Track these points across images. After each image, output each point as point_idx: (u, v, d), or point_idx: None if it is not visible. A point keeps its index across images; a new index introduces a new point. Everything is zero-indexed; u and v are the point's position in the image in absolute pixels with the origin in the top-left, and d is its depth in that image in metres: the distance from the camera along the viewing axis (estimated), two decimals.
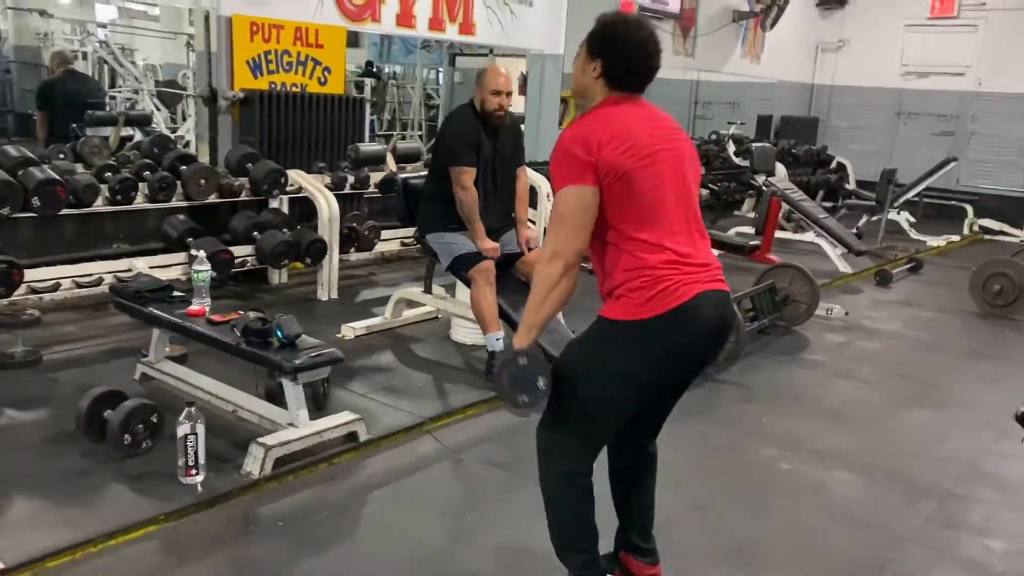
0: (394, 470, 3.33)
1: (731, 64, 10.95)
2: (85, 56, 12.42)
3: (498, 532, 2.92)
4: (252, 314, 3.29)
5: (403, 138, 11.12)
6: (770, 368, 4.93)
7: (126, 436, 3.11)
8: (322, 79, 6.08)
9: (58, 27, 12.73)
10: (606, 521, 2.45)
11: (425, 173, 4.64)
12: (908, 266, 7.97)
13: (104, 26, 14.16)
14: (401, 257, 6.71)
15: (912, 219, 9.81)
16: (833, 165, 11.63)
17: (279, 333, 3.20)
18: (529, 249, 4.42)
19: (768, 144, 8.76)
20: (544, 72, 8.15)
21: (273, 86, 5.77)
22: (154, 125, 8.90)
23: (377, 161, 5.56)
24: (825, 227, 7.54)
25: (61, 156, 5.05)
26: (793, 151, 10.81)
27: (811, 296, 5.72)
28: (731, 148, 9.04)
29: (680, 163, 2.23)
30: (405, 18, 6.56)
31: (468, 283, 4.24)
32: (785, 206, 7.97)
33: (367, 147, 5.56)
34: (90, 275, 4.44)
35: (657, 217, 2.15)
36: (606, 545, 2.49)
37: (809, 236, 7.76)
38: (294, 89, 5.87)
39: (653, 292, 2.10)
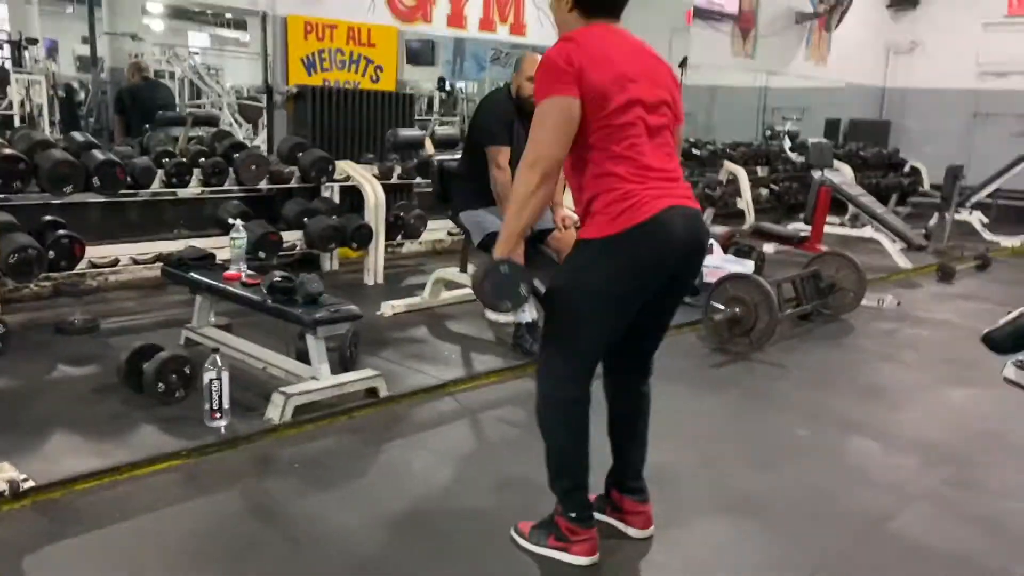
0: (412, 424, 3.46)
1: (795, 66, 10.84)
2: (172, 76, 13.18)
3: (502, 473, 3.01)
4: (278, 274, 3.49)
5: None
6: (809, 350, 4.89)
7: (160, 384, 3.34)
8: (375, 77, 6.34)
9: (148, 49, 13.52)
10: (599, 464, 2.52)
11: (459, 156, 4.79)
12: (975, 264, 7.73)
13: (197, 52, 14.99)
14: (452, 250, 6.87)
15: (985, 220, 9.48)
16: (907, 169, 11.38)
17: (302, 291, 3.38)
18: (564, 228, 4.51)
19: (824, 140, 8.63)
20: None
21: (327, 83, 6.04)
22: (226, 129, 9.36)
23: (416, 146, 5.76)
24: (883, 221, 7.39)
25: (130, 147, 5.40)
26: (861, 154, 10.61)
27: (858, 284, 5.63)
28: (787, 144, 8.95)
29: (656, 85, 2.30)
30: (456, 19, 6.79)
31: None
32: (852, 208, 7.85)
33: (406, 131, 5.78)
34: (147, 253, 4.73)
35: (631, 135, 2.22)
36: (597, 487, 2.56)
37: (867, 231, 7.62)
38: (346, 85, 6.13)
39: (624, 206, 2.19)
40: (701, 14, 8.92)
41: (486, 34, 7.03)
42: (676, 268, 2.30)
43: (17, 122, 8.73)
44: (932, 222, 9.03)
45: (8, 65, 10.93)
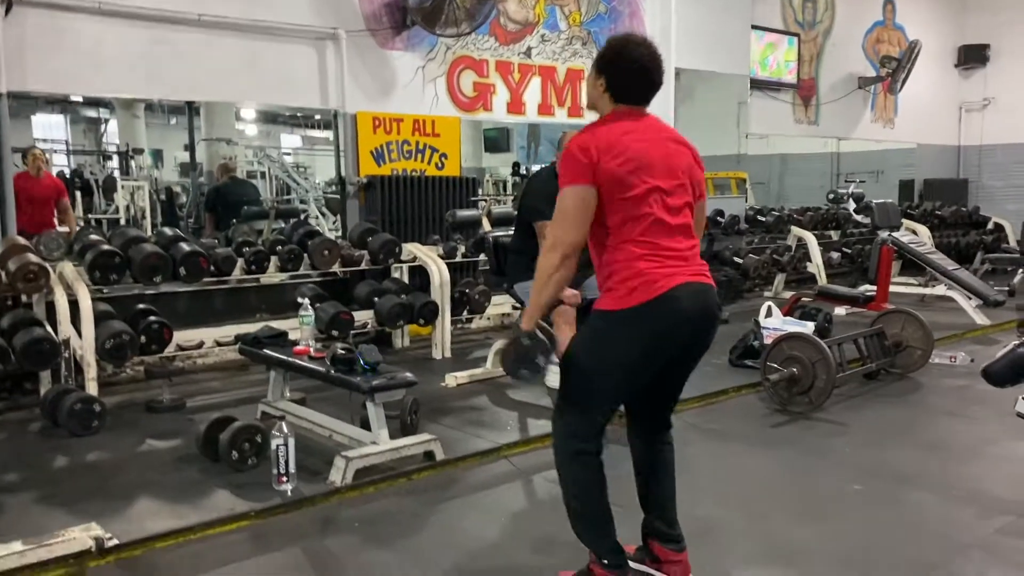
0: (467, 486, 3.63)
1: (861, 130, 10.86)
2: (264, 175, 14.11)
3: (549, 531, 3.11)
4: (340, 346, 3.75)
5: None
6: (872, 408, 4.85)
7: (233, 452, 3.60)
8: (439, 164, 6.72)
9: (241, 152, 14.53)
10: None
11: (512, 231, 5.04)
12: None
13: (288, 153, 16.07)
14: None
15: None
16: (990, 226, 11.14)
17: (361, 360, 3.63)
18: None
19: (889, 201, 8.59)
20: None
21: (395, 172, 6.44)
22: (314, 223, 9.95)
23: (474, 224, 6.06)
24: (955, 279, 7.27)
25: (215, 240, 5.88)
26: (938, 213, 10.47)
27: (925, 341, 5.56)
28: (851, 206, 8.94)
29: (671, 172, 2.47)
30: (515, 106, 7.15)
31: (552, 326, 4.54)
32: (930, 271, 7.73)
33: (463, 212, 6.08)
34: (229, 336, 5.10)
35: (648, 218, 2.40)
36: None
37: (941, 289, 7.50)
38: (413, 173, 6.52)
39: (638, 283, 2.36)
40: (759, 85, 9.10)
41: (545, 119, 7.36)
42: (687, 339, 2.45)
43: (123, 224, 9.51)
44: (1017, 279, 8.80)
45: (116, 174, 11.97)
